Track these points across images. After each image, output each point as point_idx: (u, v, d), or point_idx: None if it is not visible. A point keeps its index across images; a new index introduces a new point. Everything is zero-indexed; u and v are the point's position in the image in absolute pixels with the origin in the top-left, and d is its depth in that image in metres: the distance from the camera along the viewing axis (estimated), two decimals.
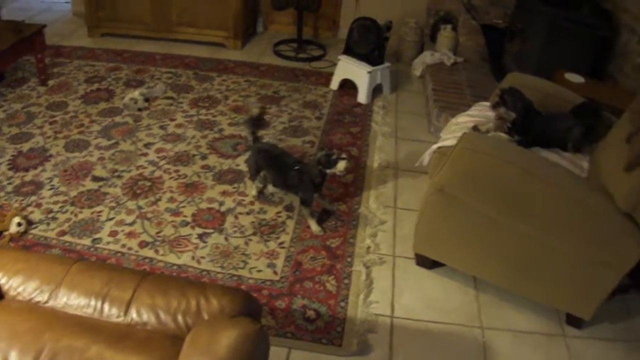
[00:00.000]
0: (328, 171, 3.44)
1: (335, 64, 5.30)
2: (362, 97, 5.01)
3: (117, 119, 4.66)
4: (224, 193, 3.78)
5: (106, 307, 2.03)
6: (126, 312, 2.01)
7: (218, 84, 5.18)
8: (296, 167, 3.50)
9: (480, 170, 2.79)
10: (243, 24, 5.99)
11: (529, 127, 3.23)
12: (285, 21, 6.39)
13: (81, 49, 6.05)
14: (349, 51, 5.14)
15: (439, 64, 5.48)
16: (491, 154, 2.80)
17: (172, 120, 4.62)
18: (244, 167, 4.00)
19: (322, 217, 3.65)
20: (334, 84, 5.24)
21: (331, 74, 5.32)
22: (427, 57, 5.59)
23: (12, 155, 4.21)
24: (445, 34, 5.75)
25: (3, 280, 2.17)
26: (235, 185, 3.85)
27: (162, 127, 4.51)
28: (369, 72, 4.95)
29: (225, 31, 5.94)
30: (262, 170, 3.67)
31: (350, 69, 5.10)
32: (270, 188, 3.81)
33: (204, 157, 4.13)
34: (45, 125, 4.60)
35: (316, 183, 3.49)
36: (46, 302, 2.08)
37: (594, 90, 3.96)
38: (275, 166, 3.60)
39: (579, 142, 3.24)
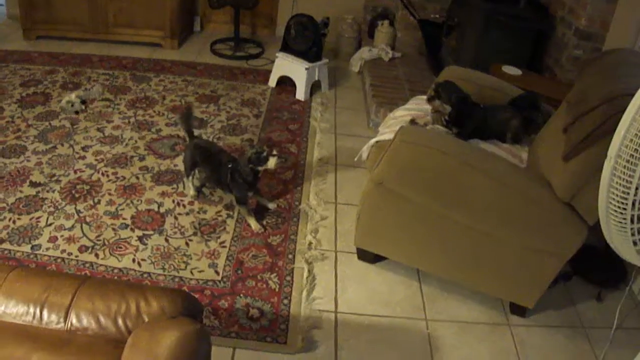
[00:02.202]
0: (260, 168, 3.45)
1: (273, 62, 5.31)
2: (301, 94, 5.03)
3: (54, 122, 4.58)
4: (163, 194, 3.76)
5: (45, 314, 1.99)
6: (66, 318, 1.97)
7: (155, 85, 5.14)
8: (229, 165, 3.50)
9: (418, 162, 2.83)
10: (179, 23, 5.96)
11: (465, 119, 3.29)
12: (222, 20, 6.37)
13: (16, 52, 5.93)
14: (286, 48, 5.15)
15: (376, 60, 5.54)
16: (428, 146, 2.84)
17: (110, 122, 4.56)
18: (182, 168, 3.98)
19: (262, 214, 3.66)
20: (272, 81, 5.25)
21: (269, 72, 5.33)
22: (365, 53, 5.64)
23: None
24: (383, 30, 5.81)
25: None
26: (174, 185, 3.83)
27: (99, 130, 4.45)
28: (307, 69, 4.97)
29: (162, 31, 5.90)
30: (197, 167, 3.67)
31: (288, 66, 5.11)
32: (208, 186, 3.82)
33: (142, 159, 4.09)
34: None
35: (248, 181, 3.49)
36: None
37: (531, 82, 4.05)
38: (210, 163, 3.60)
39: (518, 133, 3.32)
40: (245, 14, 6.11)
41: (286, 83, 5.18)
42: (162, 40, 5.92)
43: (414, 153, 2.84)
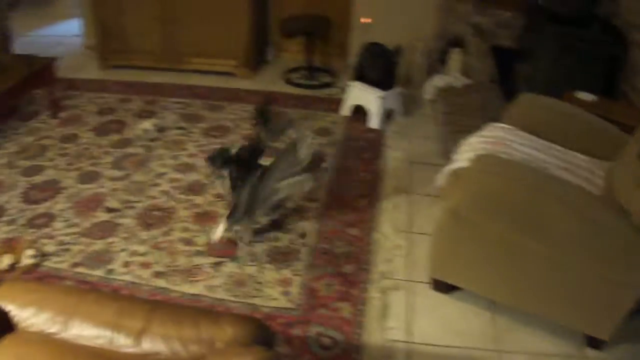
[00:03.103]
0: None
1: (345, 90, 5.30)
2: (374, 122, 5.00)
3: (129, 149, 4.67)
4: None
5: (118, 337, 2.01)
6: (138, 342, 1.99)
7: (229, 113, 5.18)
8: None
9: (494, 191, 2.77)
10: (253, 52, 6.01)
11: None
12: (294, 48, 6.40)
13: (92, 81, 6.09)
14: (359, 77, 5.14)
15: (449, 87, 5.47)
16: (506, 175, 2.77)
17: (184, 150, 4.62)
18: None
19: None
20: (345, 110, 5.23)
21: (342, 100, 5.31)
22: (438, 81, 5.59)
23: (25, 188, 4.22)
24: (455, 57, 5.76)
25: (15, 312, 2.16)
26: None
27: (174, 157, 4.51)
28: (380, 97, 4.95)
29: (235, 60, 5.96)
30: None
31: (361, 95, 5.09)
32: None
33: (216, 187, 4.11)
34: (58, 158, 4.62)
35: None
36: (58, 333, 2.07)
37: (606, 109, 3.93)
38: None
39: None
40: (318, 43, 6.13)
41: (359, 112, 5.15)
42: (235, 69, 5.98)
43: (491, 182, 2.78)
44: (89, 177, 4.34)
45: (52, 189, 4.23)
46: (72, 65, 6.46)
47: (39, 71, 5.09)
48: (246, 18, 5.74)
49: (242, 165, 3.51)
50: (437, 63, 6.15)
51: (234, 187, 3.51)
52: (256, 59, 6.18)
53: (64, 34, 7.84)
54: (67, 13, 8.51)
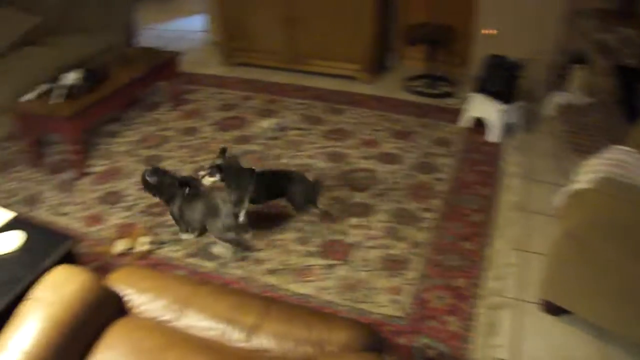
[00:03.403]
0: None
1: (465, 101, 5.28)
2: (493, 135, 4.97)
3: (249, 146, 4.81)
4: (352, 226, 3.83)
5: (230, 331, 2.09)
6: (250, 337, 2.06)
7: (348, 117, 5.25)
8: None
9: (614, 216, 2.71)
10: (374, 57, 6.07)
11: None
12: (416, 56, 6.41)
13: (214, 77, 6.29)
14: (479, 88, 5.12)
15: (570, 105, 5.37)
16: (626, 199, 2.72)
17: (303, 151, 4.72)
18: (371, 201, 4.03)
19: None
20: (465, 122, 5.22)
21: (462, 111, 5.30)
22: (559, 98, 5.49)
23: None
24: (577, 74, 5.64)
25: (130, 297, 2.28)
26: (364, 218, 3.89)
27: (292, 157, 4.62)
28: (501, 111, 4.91)
29: (357, 64, 6.03)
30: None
31: (481, 107, 5.07)
32: None
33: (334, 189, 4.19)
34: (177, 149, 4.81)
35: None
36: (172, 321, 2.17)
37: None
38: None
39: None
40: (439, 52, 6.13)
41: (479, 124, 5.13)
42: (356, 73, 6.05)
43: (612, 206, 2.73)
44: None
45: None
46: (195, 60, 6.69)
47: (163, 64, 5.31)
48: (370, 23, 5.79)
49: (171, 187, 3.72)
50: (558, 79, 6.04)
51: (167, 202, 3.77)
52: (377, 65, 6.23)
53: (188, 29, 8.13)
54: (191, 9, 8.81)
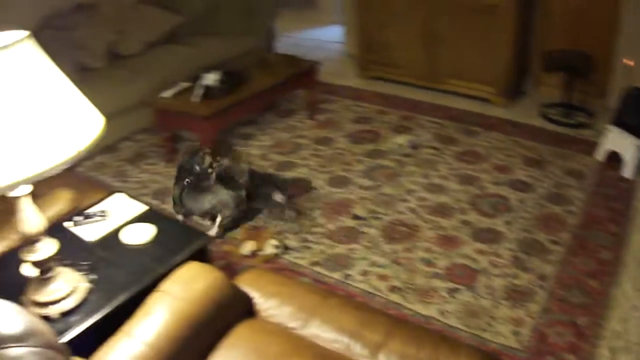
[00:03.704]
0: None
1: (602, 133, 5.20)
2: (629, 171, 4.88)
3: (381, 161, 4.92)
4: (479, 251, 3.87)
5: (356, 346, 2.15)
6: (375, 355, 2.11)
7: (481, 140, 5.27)
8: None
9: None
10: (510, 81, 6.05)
11: None
12: (552, 83, 6.33)
13: (350, 89, 6.44)
14: (617, 121, 5.02)
15: None
16: None
17: (436, 170, 4.80)
18: (502, 228, 4.05)
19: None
20: (600, 155, 5.14)
21: (597, 144, 5.22)
22: None
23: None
24: None
25: (259, 300, 2.39)
26: (492, 245, 3.92)
27: (424, 176, 4.70)
28: (637, 146, 4.81)
29: (492, 87, 6.03)
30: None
31: (618, 141, 4.98)
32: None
33: (463, 212, 4.25)
34: (311, 158, 4.98)
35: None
36: (297, 329, 2.26)
37: None
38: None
39: None
40: (577, 80, 6.04)
41: (615, 158, 5.04)
42: (491, 96, 6.05)
43: None
44: (339, 182, 4.64)
45: (302, 186, 4.59)
46: (331, 71, 6.85)
47: (302, 73, 5.50)
48: (509, 46, 5.79)
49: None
50: None
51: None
52: (513, 89, 6.21)
53: (325, 39, 8.31)
54: (329, 19, 8.99)
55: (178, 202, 4.09)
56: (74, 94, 2.12)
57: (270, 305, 2.39)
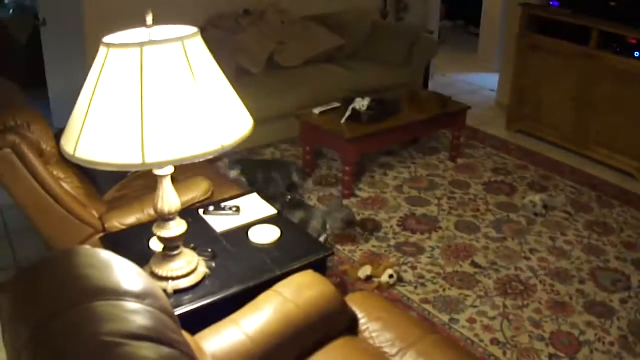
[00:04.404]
0: None
1: None
2: None
3: (512, 216, 4.90)
4: (588, 324, 3.77)
5: None
6: None
7: (616, 214, 5.12)
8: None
9: None
10: None
11: None
12: None
13: (495, 138, 6.44)
14: None
15: None
16: None
17: (563, 235, 4.71)
18: (616, 305, 3.94)
19: None
20: None
21: None
22: None
23: (405, 214, 4.69)
24: None
25: (364, 321, 2.48)
26: (603, 320, 3.82)
27: (551, 239, 4.64)
28: None
29: (638, 162, 5.84)
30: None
31: None
32: None
33: (581, 282, 4.16)
34: (444, 198, 5.03)
35: None
36: (393, 355, 2.33)
37: None
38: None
39: None
40: None
41: None
42: (636, 171, 5.87)
43: None
44: (466, 227, 4.66)
45: (429, 224, 4.64)
46: (480, 117, 6.87)
47: (451, 114, 5.54)
48: None
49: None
50: None
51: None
52: None
53: (479, 84, 8.31)
54: (488, 66, 8.99)
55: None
56: (229, 93, 2.29)
57: (374, 328, 2.48)
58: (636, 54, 5.54)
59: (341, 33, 6.80)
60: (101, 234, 3.28)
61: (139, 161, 2.03)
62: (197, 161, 2.12)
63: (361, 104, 5.04)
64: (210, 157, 2.12)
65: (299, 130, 5.40)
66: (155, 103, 2.03)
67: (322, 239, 4.12)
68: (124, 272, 1.62)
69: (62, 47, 5.73)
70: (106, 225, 3.33)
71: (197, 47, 2.16)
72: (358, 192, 5.15)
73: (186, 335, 1.90)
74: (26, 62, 7.03)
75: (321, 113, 5.25)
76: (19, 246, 4.42)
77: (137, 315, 1.47)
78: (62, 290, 1.50)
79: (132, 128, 2.03)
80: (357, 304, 2.58)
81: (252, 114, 2.39)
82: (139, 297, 1.55)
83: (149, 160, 2.04)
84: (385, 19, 7.81)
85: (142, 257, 2.68)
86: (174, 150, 2.05)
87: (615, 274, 4.29)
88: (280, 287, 2.39)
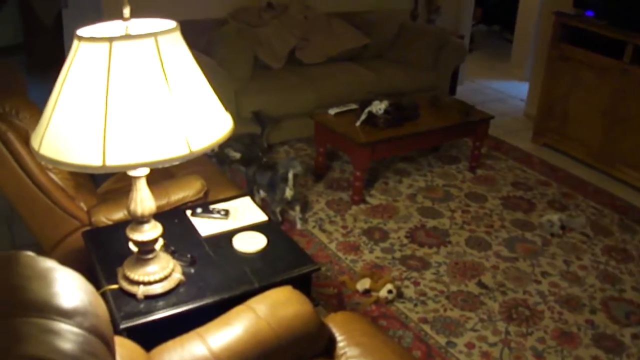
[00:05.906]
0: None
1: None
2: None
3: (527, 234, 4.69)
4: (594, 358, 3.54)
5: None
6: None
7: (638, 241, 4.86)
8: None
9: None
10: None
11: None
12: None
13: (518, 150, 6.23)
14: None
15: None
16: None
17: (579, 258, 4.48)
18: (627, 340, 3.70)
19: None
20: None
21: None
22: None
23: (415, 225, 4.49)
24: None
25: (342, 344, 2.33)
26: (611, 355, 3.59)
27: (565, 262, 4.41)
28: None
29: None
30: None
31: None
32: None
33: (592, 311, 3.92)
34: (458, 211, 4.84)
35: None
36: None
37: None
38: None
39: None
40: None
41: None
42: None
43: None
44: (477, 243, 4.48)
45: (439, 238, 4.46)
46: (504, 126, 6.68)
47: (473, 123, 5.34)
48: None
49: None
50: None
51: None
52: None
53: (507, 93, 8.10)
54: (518, 74, 8.79)
55: (252, 180, 4.52)
56: (205, 94, 2.15)
57: (351, 353, 2.33)
58: None
59: (367, 32, 6.64)
60: (87, 228, 3.16)
61: (99, 163, 1.89)
62: (162, 166, 1.97)
63: (378, 107, 4.86)
64: (177, 162, 1.97)
65: (314, 130, 5.24)
66: (120, 102, 1.88)
67: (288, 188, 4.28)
68: (60, 286, 1.47)
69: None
70: (92, 219, 3.20)
71: (173, 43, 2.01)
72: (368, 199, 4.98)
73: (134, 351, 1.76)
74: (52, 42, 7.01)
75: (337, 114, 5.09)
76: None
77: (55, 336, 1.32)
78: None
79: (95, 128, 1.88)
80: (337, 325, 2.42)
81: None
82: (67, 315, 1.40)
83: (110, 162, 1.89)
84: (415, 21, 7.62)
85: (119, 257, 2.60)
86: (137, 154, 1.90)
87: (630, 305, 4.04)
88: (254, 302, 2.24)
